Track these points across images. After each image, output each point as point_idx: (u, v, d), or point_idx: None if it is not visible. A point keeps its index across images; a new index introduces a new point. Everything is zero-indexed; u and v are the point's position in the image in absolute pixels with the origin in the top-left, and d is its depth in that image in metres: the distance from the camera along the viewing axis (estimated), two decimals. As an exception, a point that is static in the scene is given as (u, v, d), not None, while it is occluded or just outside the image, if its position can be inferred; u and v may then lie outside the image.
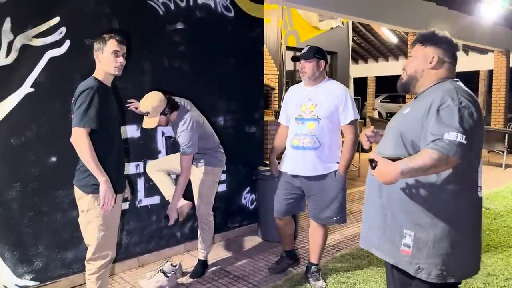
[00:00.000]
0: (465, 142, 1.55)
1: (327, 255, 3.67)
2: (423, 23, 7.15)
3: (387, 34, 13.50)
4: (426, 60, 1.80)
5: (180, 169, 3.02)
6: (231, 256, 3.70)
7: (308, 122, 2.91)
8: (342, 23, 10.19)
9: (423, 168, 1.56)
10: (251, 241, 4.08)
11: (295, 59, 3.13)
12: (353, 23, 11.45)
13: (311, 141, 2.89)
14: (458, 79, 1.81)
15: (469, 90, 1.73)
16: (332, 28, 9.86)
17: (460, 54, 1.85)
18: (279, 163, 3.23)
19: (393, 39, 13.86)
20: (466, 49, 13.57)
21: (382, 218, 1.84)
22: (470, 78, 15.75)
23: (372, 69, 18.05)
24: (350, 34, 11.39)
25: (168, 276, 3.10)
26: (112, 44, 2.35)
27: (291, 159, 3.02)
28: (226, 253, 3.75)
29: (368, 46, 15.61)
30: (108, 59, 2.35)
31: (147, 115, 2.91)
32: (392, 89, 16.89)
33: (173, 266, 3.22)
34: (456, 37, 1.85)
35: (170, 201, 3.08)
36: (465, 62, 14.37)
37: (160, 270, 3.14)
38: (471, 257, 1.79)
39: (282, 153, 3.23)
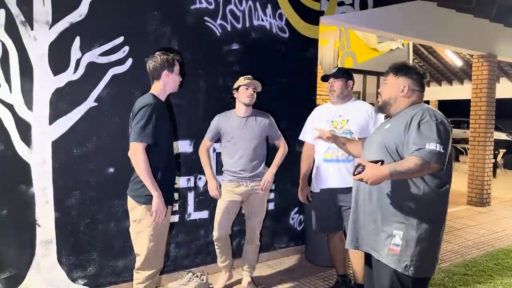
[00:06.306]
0: (442, 151, 1.86)
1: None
2: (491, 45, 6.79)
3: (451, 56, 12.95)
4: (398, 89, 2.10)
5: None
6: (277, 277, 3.65)
7: (341, 136, 2.93)
8: (403, 44, 9.90)
9: (409, 172, 1.84)
10: (297, 263, 4.00)
11: (325, 78, 3.21)
12: (414, 45, 11.12)
13: (345, 153, 2.92)
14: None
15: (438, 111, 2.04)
16: (391, 49, 9.60)
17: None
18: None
19: (458, 62, 13.25)
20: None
21: (374, 221, 2.05)
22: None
23: (434, 93, 17.23)
24: (411, 56, 11.03)
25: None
26: (177, 65, 2.54)
27: (323, 173, 3.07)
28: (272, 274, 3.70)
29: (430, 69, 15.03)
30: (176, 78, 2.54)
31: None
32: (456, 114, 16.11)
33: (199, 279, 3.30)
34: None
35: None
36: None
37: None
38: (437, 255, 2.05)
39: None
